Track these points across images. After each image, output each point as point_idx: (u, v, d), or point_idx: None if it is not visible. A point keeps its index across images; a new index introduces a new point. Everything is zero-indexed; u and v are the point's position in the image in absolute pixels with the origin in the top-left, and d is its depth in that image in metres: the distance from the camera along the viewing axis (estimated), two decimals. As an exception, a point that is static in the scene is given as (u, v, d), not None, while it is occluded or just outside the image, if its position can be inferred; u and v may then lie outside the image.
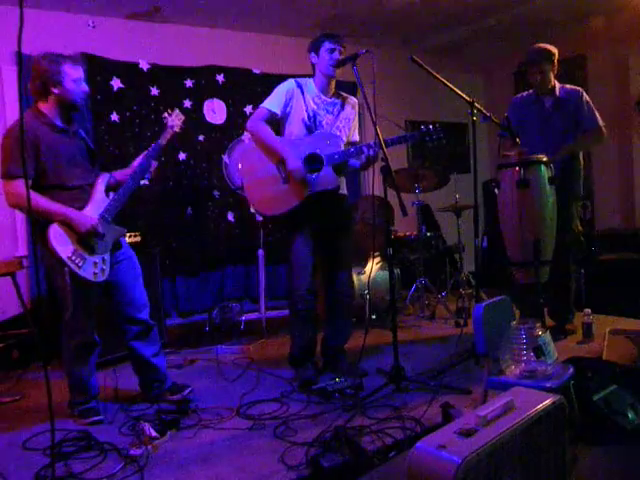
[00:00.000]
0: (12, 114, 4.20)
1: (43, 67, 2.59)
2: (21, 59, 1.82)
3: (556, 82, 3.71)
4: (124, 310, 2.88)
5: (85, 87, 2.72)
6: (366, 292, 4.28)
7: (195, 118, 4.92)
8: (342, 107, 3.21)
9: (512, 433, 1.41)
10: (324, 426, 2.49)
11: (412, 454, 1.38)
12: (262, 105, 3.11)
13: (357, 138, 3.33)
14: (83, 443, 2.48)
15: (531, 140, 3.68)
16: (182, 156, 4.86)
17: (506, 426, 1.42)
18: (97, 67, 4.48)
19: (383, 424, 2.49)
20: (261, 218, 4.44)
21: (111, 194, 2.81)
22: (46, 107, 2.65)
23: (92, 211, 2.70)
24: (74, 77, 2.65)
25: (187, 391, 3.00)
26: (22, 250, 4.30)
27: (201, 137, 4.96)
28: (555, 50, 3.65)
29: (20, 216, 4.30)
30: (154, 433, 2.46)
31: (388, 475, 2.07)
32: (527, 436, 1.46)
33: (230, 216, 5.12)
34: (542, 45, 3.66)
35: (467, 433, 1.38)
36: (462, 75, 6.40)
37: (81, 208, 2.67)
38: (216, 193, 5.03)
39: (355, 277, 4.42)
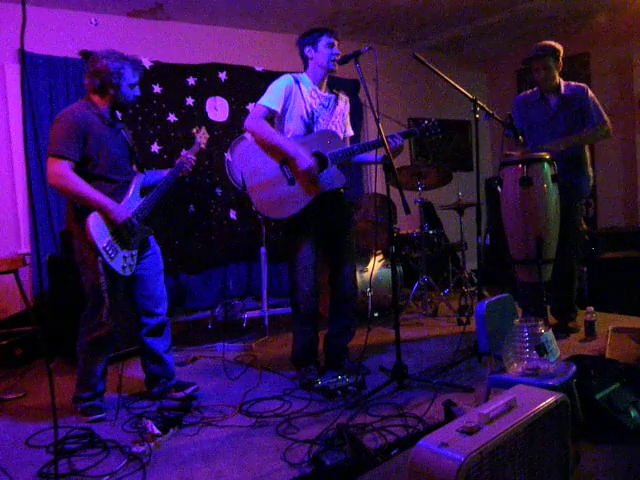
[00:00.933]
0: (15, 111, 4.19)
1: (104, 66, 2.69)
2: (24, 57, 1.83)
3: (561, 80, 3.69)
4: (144, 303, 2.92)
5: (138, 92, 2.85)
6: (368, 290, 4.27)
7: (197, 116, 4.92)
8: (336, 102, 3.19)
9: (515, 431, 1.41)
10: (326, 424, 2.49)
11: (414, 452, 1.38)
12: (260, 103, 3.03)
13: (351, 133, 3.32)
14: (86, 440, 2.49)
15: (536, 139, 3.67)
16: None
17: (509, 424, 1.41)
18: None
19: (385, 422, 2.49)
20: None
21: (138, 196, 2.87)
22: (99, 100, 2.76)
23: (126, 208, 2.77)
24: (131, 82, 2.77)
25: (192, 389, 3.00)
26: (25, 247, 4.31)
27: (203, 135, 4.96)
28: (560, 47, 3.63)
29: (23, 213, 4.31)
30: (157, 430, 2.47)
31: (390, 473, 2.07)
32: (530, 434, 1.46)
33: (232, 214, 5.12)
34: (547, 41, 3.65)
35: (470, 431, 1.38)
36: (465, 73, 6.40)
37: (118, 203, 2.75)
38: (218, 191, 5.04)
39: (358, 275, 4.42)
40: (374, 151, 3.08)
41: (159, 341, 2.98)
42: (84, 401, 2.81)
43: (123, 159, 2.84)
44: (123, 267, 2.73)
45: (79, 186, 2.61)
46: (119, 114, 3.00)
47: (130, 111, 2.96)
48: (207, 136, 3.13)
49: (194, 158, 3.02)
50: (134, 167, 2.95)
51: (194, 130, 3.13)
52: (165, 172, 2.98)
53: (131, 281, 2.88)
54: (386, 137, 2.93)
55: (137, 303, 2.92)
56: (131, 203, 2.80)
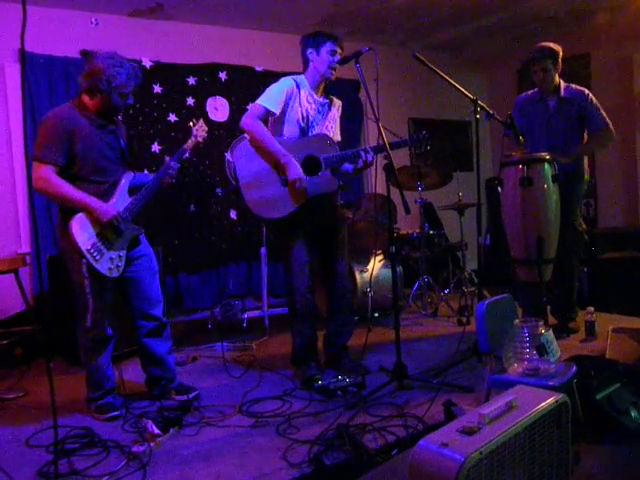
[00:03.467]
0: (15, 111, 4.20)
1: (98, 69, 2.62)
2: (24, 57, 1.83)
3: (561, 81, 3.68)
4: (139, 306, 2.89)
5: (130, 100, 2.77)
6: (369, 290, 4.27)
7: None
8: (329, 107, 3.19)
9: (515, 432, 1.41)
10: (326, 424, 2.49)
11: (414, 452, 1.38)
12: (258, 102, 3.01)
13: (339, 138, 3.28)
14: (86, 440, 2.49)
15: (535, 140, 3.67)
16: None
17: (509, 424, 1.41)
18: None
19: (385, 422, 2.49)
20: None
21: (126, 195, 2.83)
22: (88, 101, 2.70)
23: (112, 206, 2.73)
24: (122, 91, 2.68)
25: (193, 394, 2.97)
26: (25, 247, 4.31)
27: (204, 135, 4.96)
28: (559, 48, 3.63)
29: (23, 213, 4.31)
30: (157, 430, 2.47)
31: (390, 473, 2.06)
32: (530, 434, 1.46)
33: (233, 214, 5.12)
34: (545, 43, 3.64)
35: (470, 431, 1.38)
36: (465, 73, 6.39)
37: (105, 202, 2.71)
38: (219, 191, 5.04)
39: (358, 275, 4.42)
40: (359, 161, 3.07)
41: (159, 343, 2.95)
42: (95, 401, 2.81)
43: (112, 161, 2.78)
44: (110, 269, 2.69)
45: (62, 188, 2.59)
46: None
47: (118, 117, 2.84)
48: (206, 128, 3.04)
49: (175, 169, 2.92)
50: (125, 168, 2.88)
51: (190, 123, 3.04)
52: (151, 176, 2.94)
53: (125, 283, 2.84)
54: (358, 151, 3.02)
55: (132, 306, 2.89)
56: (118, 202, 2.76)
